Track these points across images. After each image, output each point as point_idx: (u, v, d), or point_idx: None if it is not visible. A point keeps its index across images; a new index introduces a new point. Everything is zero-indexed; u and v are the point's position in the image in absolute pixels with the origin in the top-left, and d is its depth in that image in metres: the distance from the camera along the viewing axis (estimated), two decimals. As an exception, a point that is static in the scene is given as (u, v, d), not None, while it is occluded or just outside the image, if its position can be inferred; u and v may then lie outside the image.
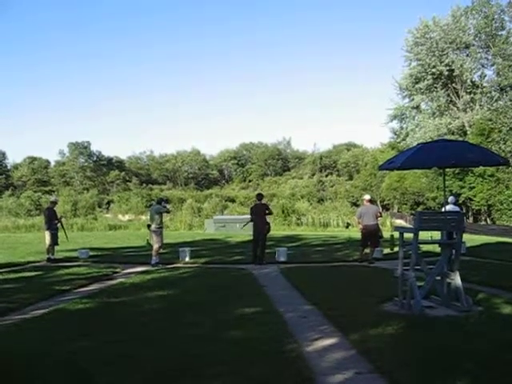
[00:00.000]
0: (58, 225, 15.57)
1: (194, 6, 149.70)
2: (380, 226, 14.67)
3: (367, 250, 14.26)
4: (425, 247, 13.30)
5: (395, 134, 56.94)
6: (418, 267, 7.39)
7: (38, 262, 14.69)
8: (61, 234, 15.61)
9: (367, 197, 14.99)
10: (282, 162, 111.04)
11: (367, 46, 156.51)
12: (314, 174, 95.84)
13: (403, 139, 52.99)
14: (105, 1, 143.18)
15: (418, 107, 52.28)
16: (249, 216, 15.17)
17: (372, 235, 14.10)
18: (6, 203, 60.88)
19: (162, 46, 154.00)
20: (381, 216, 14.71)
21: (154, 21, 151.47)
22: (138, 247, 19.01)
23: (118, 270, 12.54)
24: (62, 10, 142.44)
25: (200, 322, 6.53)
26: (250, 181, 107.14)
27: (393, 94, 54.46)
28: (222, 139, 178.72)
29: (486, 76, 48.94)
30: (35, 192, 74.38)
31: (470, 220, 45.09)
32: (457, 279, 7.18)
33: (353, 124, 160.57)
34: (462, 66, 46.33)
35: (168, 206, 15.41)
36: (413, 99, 52.03)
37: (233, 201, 68.48)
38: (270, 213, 15.02)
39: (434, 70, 47.42)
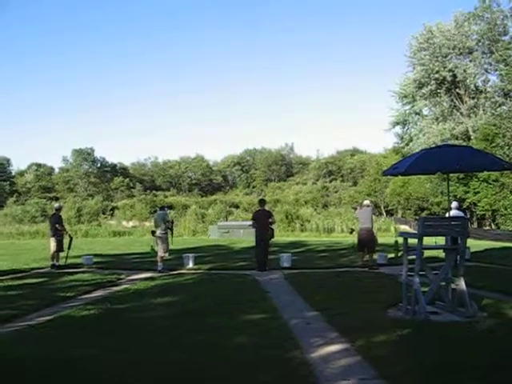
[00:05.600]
0: (64, 232, 15.52)
1: (196, 9, 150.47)
2: (374, 231, 14.64)
3: (367, 257, 14.23)
4: (429, 253, 13.27)
5: (401, 139, 56.75)
6: (423, 273, 7.37)
7: (43, 268, 14.70)
8: (65, 241, 15.59)
9: (366, 202, 15.04)
10: (285, 167, 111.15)
11: (370, 51, 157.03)
12: (317, 180, 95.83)
13: (407, 144, 53.02)
14: (106, 5, 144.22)
15: (419, 113, 52.33)
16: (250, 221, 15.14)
17: (367, 239, 14.07)
18: (10, 210, 61.01)
19: (165, 51, 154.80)
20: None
21: (157, 25, 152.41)
22: (142, 253, 19.00)
23: (122, 276, 12.54)
24: (64, 16, 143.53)
25: (204, 328, 6.53)
26: (253, 186, 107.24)
27: (392, 102, 54.94)
28: (226, 145, 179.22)
29: (489, 81, 48.99)
30: (40, 199, 74.61)
31: (475, 225, 44.95)
32: (461, 285, 7.16)
33: (356, 129, 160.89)
34: (465, 71, 46.32)
35: (168, 218, 15.29)
36: (413, 105, 52.15)
37: (237, 206, 68.31)
38: (273, 221, 14.79)
39: (437, 76, 47.42)
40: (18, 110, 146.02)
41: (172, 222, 15.37)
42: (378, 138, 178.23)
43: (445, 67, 47.00)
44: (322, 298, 8.69)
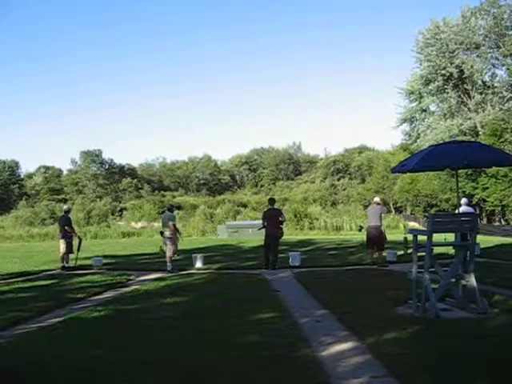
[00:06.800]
0: (73, 234, 15.55)
1: (202, 9, 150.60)
2: (383, 228, 14.60)
3: (376, 254, 14.20)
4: (439, 249, 13.20)
5: (408, 136, 56.49)
6: (433, 269, 7.34)
7: (53, 270, 14.77)
8: (75, 242, 15.64)
9: (375, 199, 15.05)
10: (293, 166, 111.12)
11: (377, 47, 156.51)
12: (325, 178, 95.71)
13: (414, 141, 52.82)
14: (114, 7, 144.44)
15: (426, 110, 52.11)
16: (261, 221, 15.09)
17: (375, 237, 14.04)
18: (20, 212, 61.42)
19: (173, 51, 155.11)
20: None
21: (165, 26, 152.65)
22: (151, 254, 19.06)
23: (131, 277, 12.55)
24: (71, 17, 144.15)
25: (214, 327, 6.53)
26: (261, 186, 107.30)
27: (399, 99, 54.77)
28: (234, 144, 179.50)
29: (496, 76, 48.77)
30: (49, 201, 75.09)
31: (484, 221, 44.74)
32: (472, 281, 7.12)
33: (364, 126, 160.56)
34: (472, 66, 46.01)
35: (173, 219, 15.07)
36: (419, 102, 51.97)
37: (245, 206, 68.45)
38: (283, 220, 14.81)
39: (444, 72, 47.15)
40: (25, 112, 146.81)
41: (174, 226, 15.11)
42: (385, 135, 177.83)
43: (452, 63, 46.71)
44: (331, 296, 8.67)
